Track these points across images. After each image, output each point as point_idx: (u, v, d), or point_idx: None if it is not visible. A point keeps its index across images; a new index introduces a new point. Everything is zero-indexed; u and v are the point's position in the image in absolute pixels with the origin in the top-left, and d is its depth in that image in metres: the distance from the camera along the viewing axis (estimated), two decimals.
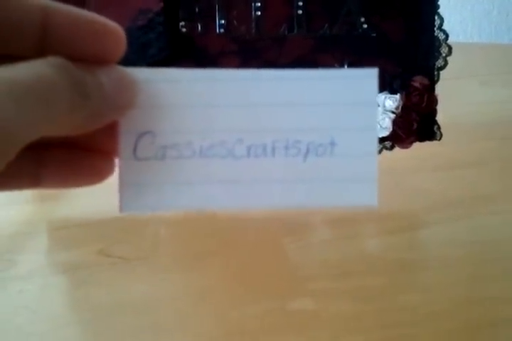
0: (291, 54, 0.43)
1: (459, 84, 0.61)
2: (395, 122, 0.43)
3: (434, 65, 0.43)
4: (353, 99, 0.20)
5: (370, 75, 0.20)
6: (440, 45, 0.43)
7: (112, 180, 0.22)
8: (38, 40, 0.18)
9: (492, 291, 0.34)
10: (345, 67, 0.43)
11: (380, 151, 0.44)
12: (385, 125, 0.43)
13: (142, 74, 0.20)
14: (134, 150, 0.20)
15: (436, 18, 0.43)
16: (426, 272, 0.37)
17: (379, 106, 0.43)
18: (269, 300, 0.34)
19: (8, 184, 0.20)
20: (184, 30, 0.42)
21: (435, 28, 0.43)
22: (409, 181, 0.45)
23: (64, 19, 0.18)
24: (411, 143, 0.44)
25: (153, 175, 0.20)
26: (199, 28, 0.42)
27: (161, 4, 0.40)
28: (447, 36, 0.43)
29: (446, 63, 0.43)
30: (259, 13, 0.42)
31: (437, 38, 0.43)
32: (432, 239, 0.40)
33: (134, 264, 0.37)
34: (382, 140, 0.44)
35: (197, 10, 0.42)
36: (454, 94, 0.57)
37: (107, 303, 0.34)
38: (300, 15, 0.42)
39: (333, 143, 0.20)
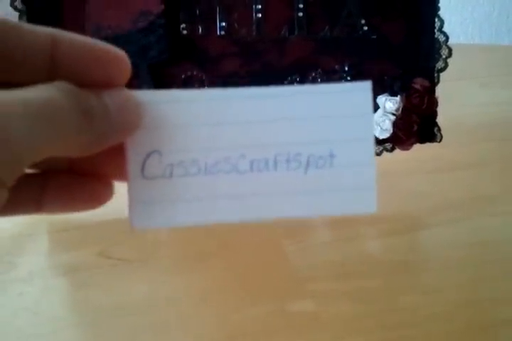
0: (291, 56, 0.43)
1: (459, 85, 0.62)
2: (395, 124, 0.43)
3: (435, 66, 0.44)
4: (349, 111, 0.21)
5: (363, 88, 0.21)
6: (440, 47, 0.43)
7: None
8: (47, 67, 0.18)
9: (492, 292, 0.34)
10: (346, 69, 0.43)
11: (380, 153, 0.44)
12: (385, 127, 0.43)
13: (145, 96, 0.20)
14: (142, 169, 0.20)
15: (436, 20, 0.43)
16: (426, 273, 0.37)
17: (379, 108, 0.43)
18: (269, 302, 0.34)
19: (11, 210, 0.20)
20: (185, 32, 0.42)
21: (435, 30, 0.43)
22: (409, 183, 0.45)
23: (70, 47, 0.18)
24: (411, 144, 0.44)
25: (161, 192, 0.21)
26: (200, 30, 0.42)
27: (162, 6, 0.40)
28: (447, 38, 0.43)
29: (446, 65, 0.44)
30: (259, 15, 0.42)
31: (437, 39, 0.43)
32: (432, 240, 0.40)
33: (134, 266, 0.37)
34: (382, 142, 0.44)
35: (198, 12, 0.42)
36: (454, 95, 0.57)
37: (108, 305, 0.34)
38: (301, 17, 0.42)
39: (332, 155, 0.21)
